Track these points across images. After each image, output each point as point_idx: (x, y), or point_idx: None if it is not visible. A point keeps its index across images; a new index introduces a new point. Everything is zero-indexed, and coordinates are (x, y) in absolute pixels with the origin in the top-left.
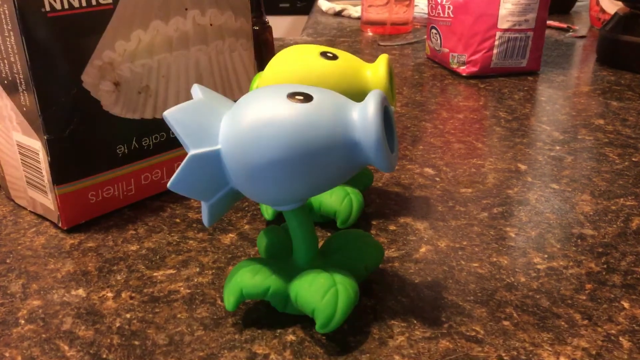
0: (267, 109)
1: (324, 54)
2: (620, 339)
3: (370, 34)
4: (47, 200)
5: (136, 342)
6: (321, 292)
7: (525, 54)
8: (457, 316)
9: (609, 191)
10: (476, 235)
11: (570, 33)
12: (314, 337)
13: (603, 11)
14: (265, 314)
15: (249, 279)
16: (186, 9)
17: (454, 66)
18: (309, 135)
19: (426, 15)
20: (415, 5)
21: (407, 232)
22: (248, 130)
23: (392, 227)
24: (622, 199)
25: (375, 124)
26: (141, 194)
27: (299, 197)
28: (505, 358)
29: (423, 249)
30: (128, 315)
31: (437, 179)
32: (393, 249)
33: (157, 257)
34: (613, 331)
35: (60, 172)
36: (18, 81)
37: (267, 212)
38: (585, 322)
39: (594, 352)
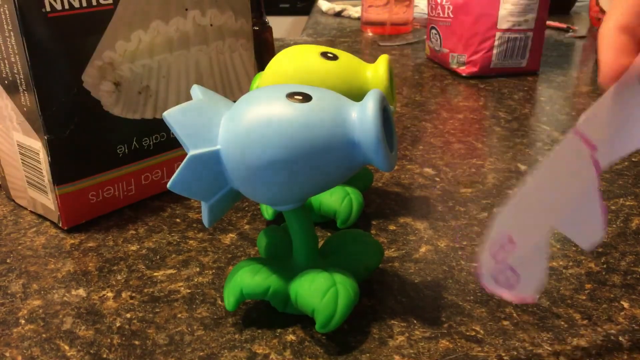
0: (267, 109)
1: (324, 54)
2: (620, 338)
3: (370, 34)
4: (47, 200)
5: (136, 342)
6: (321, 292)
7: (525, 54)
8: (457, 316)
9: (609, 191)
10: (476, 235)
11: (570, 33)
12: (314, 337)
13: (603, 11)
14: (265, 314)
15: (249, 279)
16: (186, 10)
17: (454, 66)
18: (308, 135)
19: (426, 16)
20: (415, 6)
21: (407, 232)
22: (247, 131)
23: (392, 227)
24: (621, 199)
25: (374, 123)
26: (141, 194)
27: (299, 197)
28: (505, 358)
29: (423, 249)
30: (128, 315)
31: (437, 179)
32: (393, 249)
33: (158, 257)
34: (613, 331)
35: (61, 172)
36: (18, 81)
37: (267, 212)
38: (585, 322)
39: (593, 352)
